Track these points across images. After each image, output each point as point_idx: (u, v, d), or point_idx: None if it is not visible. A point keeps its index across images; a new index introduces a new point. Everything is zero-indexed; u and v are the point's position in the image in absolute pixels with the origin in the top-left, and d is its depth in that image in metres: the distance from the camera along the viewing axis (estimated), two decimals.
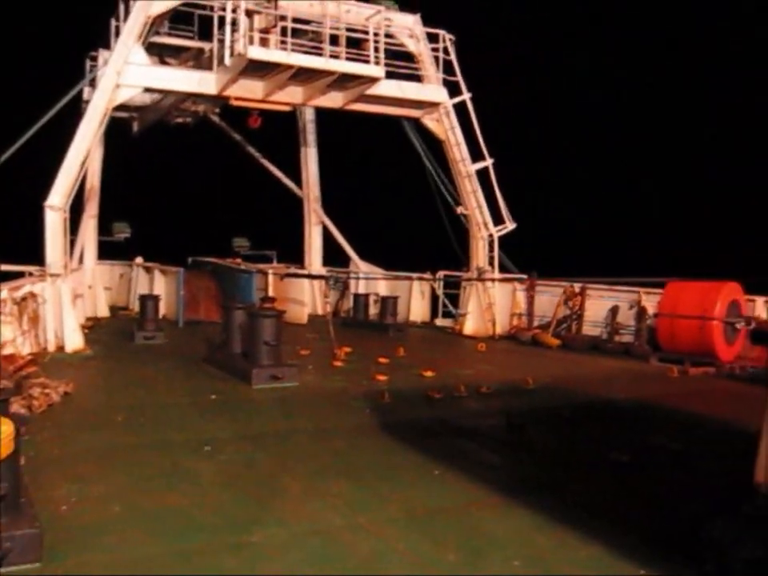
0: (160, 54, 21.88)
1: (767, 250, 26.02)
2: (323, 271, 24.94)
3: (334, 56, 18.31)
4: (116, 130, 21.88)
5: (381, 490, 7.51)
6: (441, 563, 5.89)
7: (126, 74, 16.94)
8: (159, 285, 22.08)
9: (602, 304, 18.83)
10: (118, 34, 18.01)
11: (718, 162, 34.54)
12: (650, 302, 17.57)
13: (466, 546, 6.25)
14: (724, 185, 33.81)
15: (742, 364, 15.72)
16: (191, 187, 33.34)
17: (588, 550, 6.25)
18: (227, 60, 17.64)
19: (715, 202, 33.17)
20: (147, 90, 18.78)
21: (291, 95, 19.46)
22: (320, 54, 18.09)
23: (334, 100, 19.89)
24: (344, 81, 18.86)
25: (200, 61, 21.21)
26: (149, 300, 18.15)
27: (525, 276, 20.51)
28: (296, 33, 18.24)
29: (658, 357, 16.35)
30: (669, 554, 6.17)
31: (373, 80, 18.80)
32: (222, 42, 17.86)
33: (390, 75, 19.42)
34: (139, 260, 24.00)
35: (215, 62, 18.22)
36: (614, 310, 18.45)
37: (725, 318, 15.49)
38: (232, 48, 17.57)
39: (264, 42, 18.04)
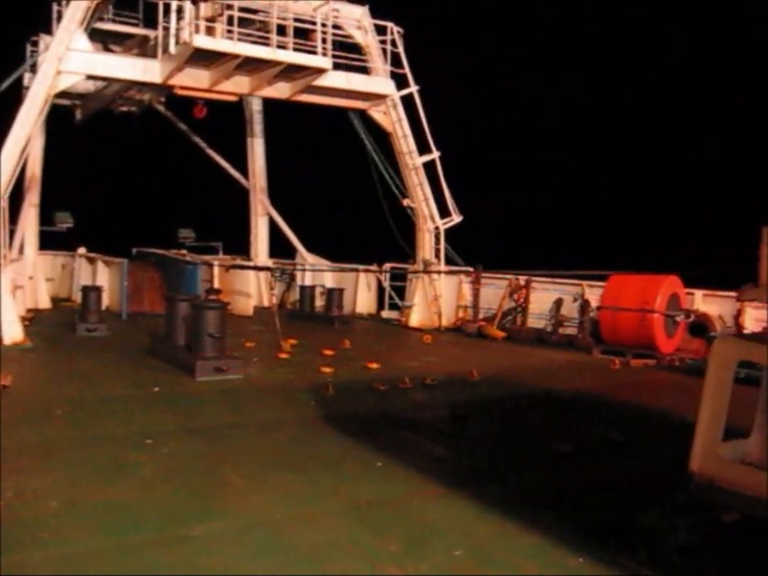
0: (103, 40, 21.51)
1: (706, 244, 26.62)
2: (269, 263, 24.80)
3: (281, 46, 18.19)
4: (58, 118, 21.47)
5: (324, 482, 7.51)
6: (383, 554, 5.92)
7: (67, 60, 16.59)
8: (102, 276, 21.73)
9: (546, 297, 19.06)
10: (59, 18, 17.66)
11: (660, 156, 35.16)
12: (593, 294, 17.83)
13: (408, 536, 6.29)
14: (665, 180, 34.44)
15: (681, 356, 16.09)
16: (136, 177, 32.89)
17: (528, 538, 6.34)
18: (172, 48, 17.40)
19: (656, 197, 33.79)
20: (90, 77, 18.43)
21: (238, 85, 19.28)
22: (267, 44, 17.95)
23: (280, 90, 19.77)
24: (291, 71, 18.74)
25: (145, 48, 20.90)
26: (91, 291, 17.87)
27: (470, 268, 20.64)
28: (243, 22, 18.07)
29: (600, 349, 16.61)
30: (605, 541, 6.28)
31: (320, 71, 18.72)
32: (167, 29, 17.59)
33: (337, 66, 19.36)
34: (82, 250, 23.59)
35: (160, 50, 17.96)
36: (558, 303, 18.69)
37: (665, 311, 15.79)
38: (177, 36, 17.31)
39: (210, 31, 17.80)
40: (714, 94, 34.99)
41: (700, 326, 16.33)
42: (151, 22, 20.03)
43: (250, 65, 18.16)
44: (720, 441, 6.05)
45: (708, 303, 16.88)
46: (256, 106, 25.15)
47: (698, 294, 16.95)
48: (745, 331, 14.74)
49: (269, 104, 23.98)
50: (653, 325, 15.65)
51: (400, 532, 6.36)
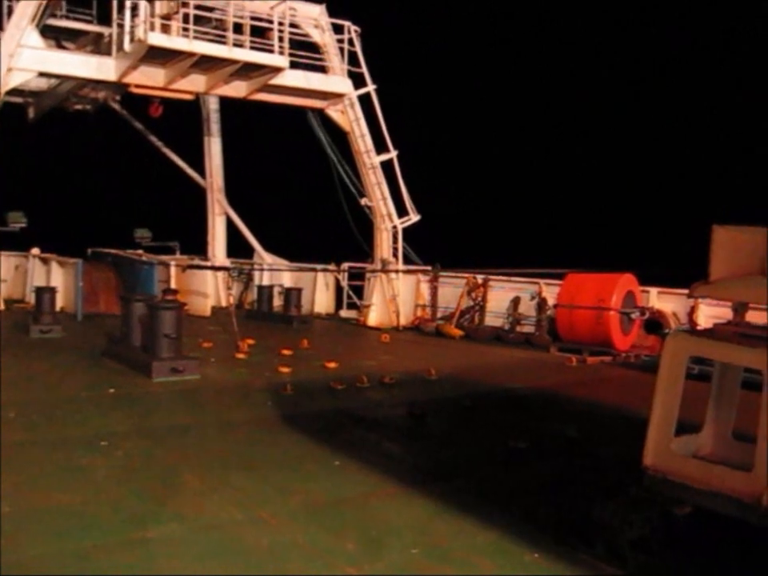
0: (56, 37, 21.18)
1: (661, 243, 27.00)
2: (227, 263, 24.64)
3: (238, 45, 18.13)
4: (10, 116, 21.10)
5: (281, 483, 7.48)
6: (339, 554, 5.91)
7: (18, 57, 16.38)
8: (57, 277, 21.41)
9: (503, 295, 19.17)
10: (10, 14, 17.37)
11: (615, 156, 35.57)
12: (550, 293, 17.96)
13: (365, 535, 6.29)
14: (620, 179, 34.85)
15: (636, 353, 16.28)
16: (91, 176, 32.44)
17: (485, 536, 6.38)
18: (127, 46, 17.23)
19: (611, 196, 34.16)
20: (42, 74, 18.18)
21: (194, 84, 19.15)
22: (223, 43, 17.85)
23: (237, 89, 19.66)
24: (248, 70, 18.67)
25: (99, 46, 20.61)
26: (45, 292, 17.61)
27: (428, 267, 20.71)
28: (199, 20, 17.95)
29: (557, 346, 16.75)
30: (562, 537, 6.34)
31: (277, 70, 18.67)
32: (121, 27, 17.42)
33: (294, 65, 19.32)
34: (35, 251, 23.20)
35: (114, 47, 17.79)
36: (516, 301, 18.81)
37: (620, 308, 15.97)
38: (132, 33, 17.16)
39: (165, 29, 17.66)
40: (668, 95, 35.53)
41: (655, 323, 16.54)
42: (105, 19, 19.76)
43: (206, 63, 18.04)
44: (672, 436, 6.12)
45: (663, 300, 17.12)
46: (213, 104, 24.95)
47: (653, 291, 17.18)
48: (698, 328, 14.97)
49: (226, 103, 23.80)
50: (609, 322, 15.82)
51: (357, 532, 6.36)
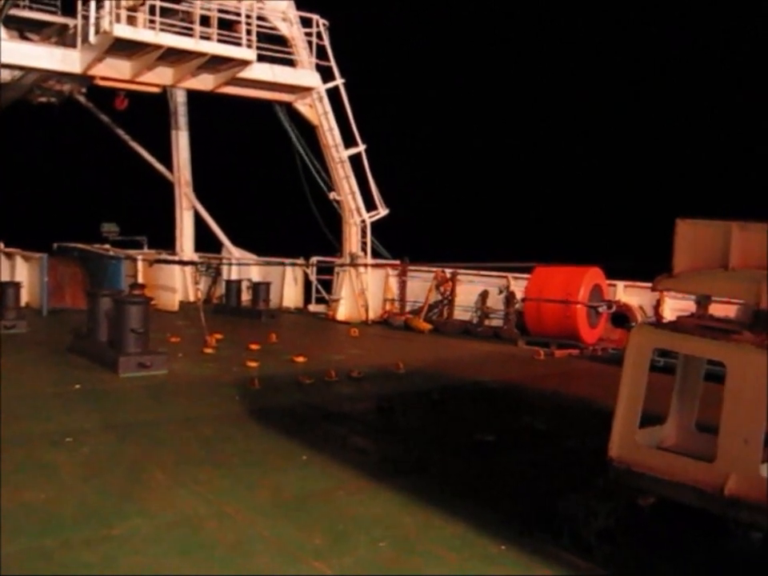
0: (20, 28, 20.85)
1: (627, 236, 27.23)
2: (195, 257, 24.48)
3: (205, 37, 17.96)
4: None
5: (248, 477, 7.45)
6: (307, 548, 5.91)
7: None
8: (21, 271, 21.12)
9: (472, 289, 19.23)
10: None
11: (582, 149, 35.83)
12: (518, 286, 18.03)
13: (333, 529, 6.29)
14: (587, 173, 35.11)
15: (603, 346, 16.43)
16: (57, 170, 32.09)
17: (453, 529, 6.40)
18: (92, 38, 17.04)
19: (578, 190, 34.42)
20: (5, 66, 17.89)
21: (160, 76, 18.97)
22: (190, 35, 17.70)
23: (204, 82, 19.52)
24: (215, 63, 18.53)
25: (64, 37, 20.33)
26: (9, 287, 17.40)
27: (397, 261, 20.72)
28: (166, 12, 17.78)
29: (525, 340, 16.84)
30: (529, 529, 6.38)
31: (244, 63, 18.55)
32: (86, 18, 17.21)
33: (262, 59, 19.21)
34: None
35: (79, 39, 17.55)
36: (484, 295, 18.88)
37: (588, 302, 16.09)
38: (97, 25, 16.96)
39: (132, 21, 17.44)
40: (632, 89, 35.83)
41: (621, 317, 16.67)
42: (70, 10, 19.51)
43: (172, 56, 17.89)
44: (637, 428, 6.19)
45: (629, 294, 17.25)
46: (180, 97, 24.71)
47: (620, 285, 17.30)
48: (664, 321, 15.11)
49: (193, 96, 23.62)
50: (576, 316, 15.93)
51: (324, 526, 6.35)
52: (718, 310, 6.69)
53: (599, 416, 8.66)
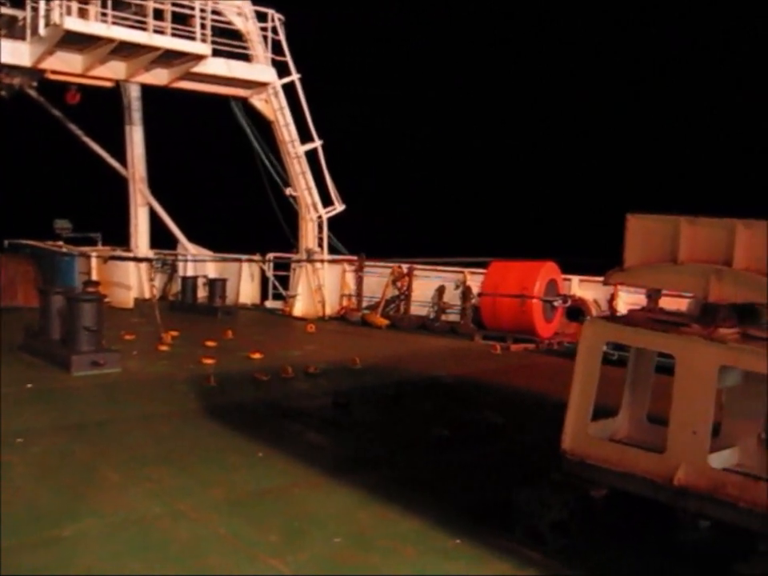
0: None
1: (583, 231, 27.50)
2: (150, 254, 24.19)
3: (159, 31, 17.74)
4: None
5: (203, 475, 7.41)
6: (262, 545, 5.89)
7: None
8: None
9: (428, 284, 19.27)
10: None
11: (537, 145, 36.12)
12: (475, 281, 18.11)
13: (288, 526, 6.28)
14: (543, 168, 35.41)
15: (559, 340, 16.57)
16: (7, 166, 31.50)
17: (408, 524, 6.43)
18: (42, 30, 16.72)
19: (534, 185, 34.70)
20: None
21: (113, 71, 18.69)
22: (144, 29, 17.47)
23: (158, 77, 19.28)
24: (169, 57, 18.30)
25: (13, 30, 19.92)
26: None
27: (354, 257, 20.69)
28: (118, 5, 17.51)
29: (482, 335, 16.91)
30: (484, 522, 6.43)
31: (199, 57, 18.37)
32: (36, 10, 16.89)
33: (217, 53, 19.02)
34: None
35: (29, 31, 17.22)
36: (441, 290, 18.93)
37: (543, 296, 16.21)
38: (47, 18, 16.65)
39: (83, 13, 17.16)
40: (587, 84, 36.19)
41: (577, 311, 16.82)
42: (19, 2, 19.14)
43: (125, 50, 17.64)
44: (589, 420, 6.25)
45: (584, 288, 17.43)
46: (134, 92, 24.36)
47: (575, 279, 17.48)
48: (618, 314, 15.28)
49: (148, 91, 23.33)
50: (532, 310, 16.04)
51: (280, 523, 6.34)
52: (672, 303, 6.78)
53: (554, 409, 8.73)
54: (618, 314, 15.48)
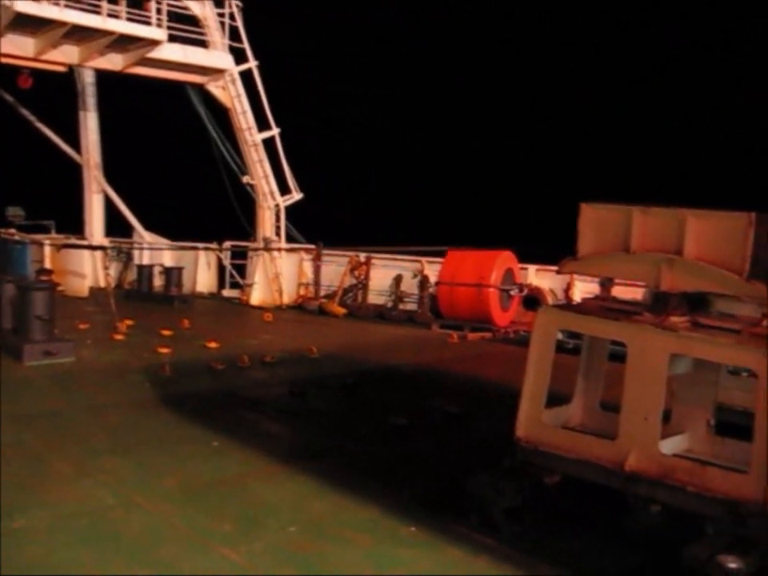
0: None
1: (539, 220, 27.71)
2: (105, 242, 23.87)
3: (113, 15, 17.47)
4: None
5: (156, 465, 7.34)
6: (216, 535, 5.86)
7: None
8: None
9: (386, 273, 19.26)
10: None
11: (493, 136, 36.28)
12: (432, 270, 18.16)
13: (243, 516, 6.25)
14: (499, 158, 35.59)
15: (516, 328, 16.69)
16: None
17: (365, 512, 6.44)
18: None
19: (490, 174, 34.87)
20: None
21: (66, 55, 18.38)
22: (98, 13, 17.19)
23: (113, 62, 18.99)
24: (124, 42, 18.05)
25: None
26: None
27: (311, 246, 20.63)
28: None
29: (439, 323, 16.97)
30: (440, 510, 6.46)
31: (154, 43, 18.13)
32: None
33: (173, 39, 18.79)
34: None
35: None
36: (398, 279, 18.94)
37: (500, 285, 16.31)
38: None
39: None
40: (547, 74, 36.42)
41: (533, 300, 16.93)
42: None
43: (79, 34, 17.35)
44: (543, 408, 6.31)
45: (540, 277, 17.56)
46: (88, 77, 23.93)
47: (531, 268, 17.59)
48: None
49: (102, 76, 22.96)
50: (488, 299, 16.13)
51: (234, 512, 6.31)
52: (628, 293, 6.87)
53: (510, 398, 8.80)
54: (573, 302, 15.71)
